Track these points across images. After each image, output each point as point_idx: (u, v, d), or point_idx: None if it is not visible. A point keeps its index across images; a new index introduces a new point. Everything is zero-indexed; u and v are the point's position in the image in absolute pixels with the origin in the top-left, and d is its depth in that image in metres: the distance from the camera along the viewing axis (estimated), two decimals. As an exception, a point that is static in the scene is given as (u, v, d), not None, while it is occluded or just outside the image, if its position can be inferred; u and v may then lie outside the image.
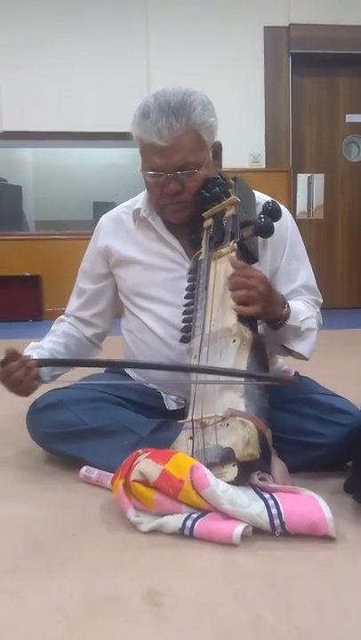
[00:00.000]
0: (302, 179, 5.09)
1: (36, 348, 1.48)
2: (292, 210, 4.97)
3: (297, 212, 5.04)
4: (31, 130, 4.76)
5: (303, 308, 1.36)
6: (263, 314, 1.26)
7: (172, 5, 4.74)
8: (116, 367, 1.55)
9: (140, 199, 1.50)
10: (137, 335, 1.51)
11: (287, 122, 4.95)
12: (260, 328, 1.31)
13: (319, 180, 5.11)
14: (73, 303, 1.62)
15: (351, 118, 5.12)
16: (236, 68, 4.82)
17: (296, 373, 1.52)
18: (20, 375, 1.31)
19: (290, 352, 1.37)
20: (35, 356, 1.41)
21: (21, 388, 1.35)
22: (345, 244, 5.23)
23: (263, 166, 4.93)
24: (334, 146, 5.14)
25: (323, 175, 5.11)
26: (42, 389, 1.44)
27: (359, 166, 5.18)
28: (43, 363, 1.38)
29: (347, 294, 5.22)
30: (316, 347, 1.38)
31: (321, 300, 1.50)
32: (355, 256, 5.24)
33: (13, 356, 1.32)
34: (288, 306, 1.29)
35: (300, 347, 1.34)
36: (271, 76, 4.89)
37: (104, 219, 1.57)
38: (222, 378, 1.17)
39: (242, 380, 1.16)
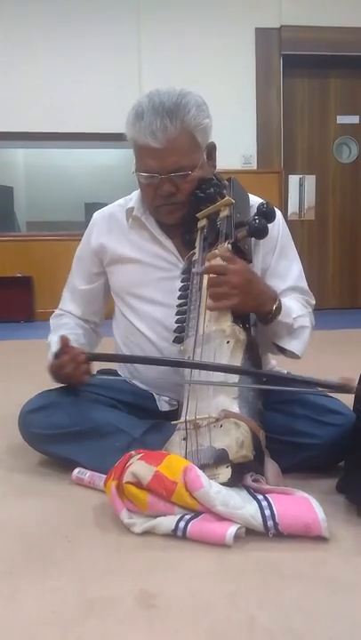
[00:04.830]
0: (294, 180, 5.10)
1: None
2: (284, 211, 4.98)
3: (288, 214, 5.05)
4: (23, 130, 4.74)
5: (296, 306, 1.37)
6: (245, 307, 1.25)
7: (164, 6, 4.74)
8: (157, 364, 1.45)
9: (133, 198, 1.50)
10: (128, 337, 1.51)
11: (278, 123, 4.95)
12: (253, 329, 1.31)
13: (310, 181, 5.12)
14: (67, 299, 1.61)
15: (342, 119, 5.13)
16: (227, 69, 4.82)
17: (288, 374, 1.53)
18: (70, 370, 1.34)
19: (283, 351, 1.37)
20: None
21: (72, 381, 1.38)
22: (336, 245, 5.25)
23: (255, 167, 4.94)
24: (325, 147, 5.15)
25: (314, 176, 5.13)
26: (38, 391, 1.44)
27: (350, 167, 5.20)
28: (93, 357, 1.39)
29: (338, 295, 5.24)
30: (309, 346, 1.38)
31: (313, 302, 1.49)
32: (346, 257, 5.26)
33: (66, 348, 1.34)
34: (279, 301, 1.29)
35: (293, 345, 1.34)
36: (262, 77, 4.90)
37: (97, 216, 1.56)
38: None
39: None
